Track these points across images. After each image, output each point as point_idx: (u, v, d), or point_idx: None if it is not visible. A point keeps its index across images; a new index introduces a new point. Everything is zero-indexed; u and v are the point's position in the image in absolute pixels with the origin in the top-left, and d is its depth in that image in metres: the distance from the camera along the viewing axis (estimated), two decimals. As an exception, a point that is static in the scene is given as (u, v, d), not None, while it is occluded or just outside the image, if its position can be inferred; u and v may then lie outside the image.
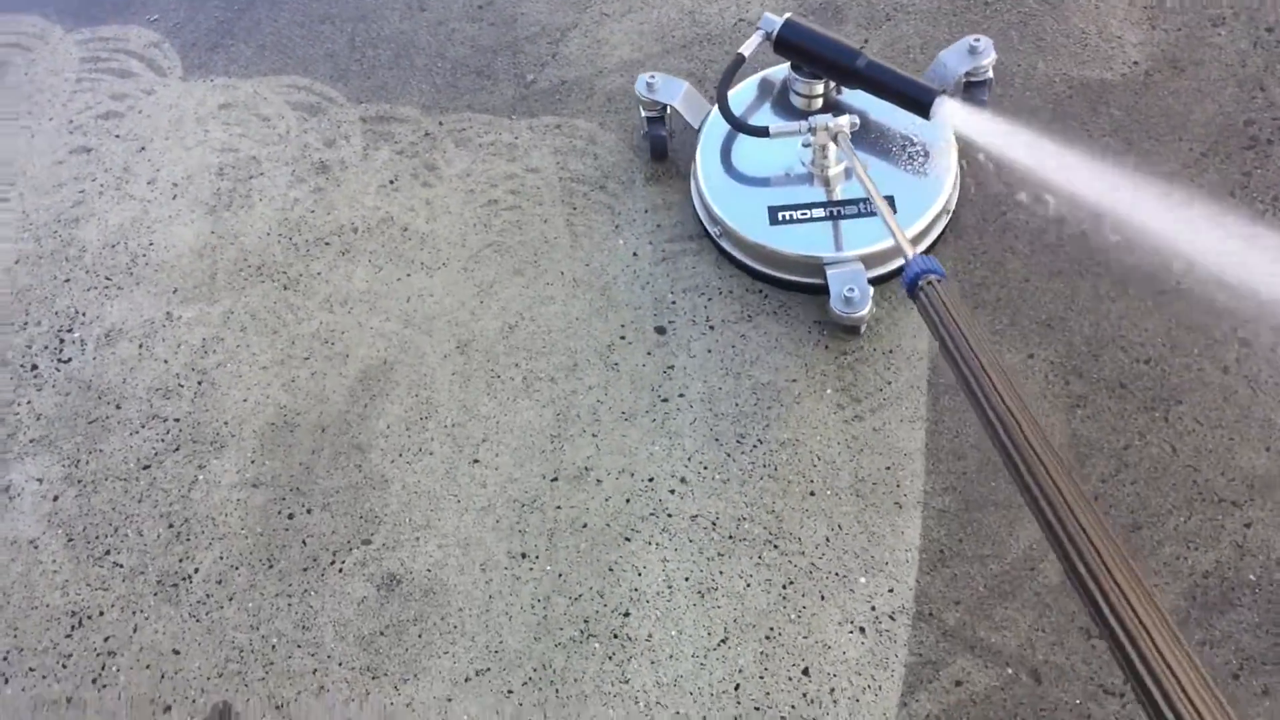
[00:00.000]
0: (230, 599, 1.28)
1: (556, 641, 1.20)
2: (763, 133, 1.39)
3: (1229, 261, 1.26)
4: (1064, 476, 0.81)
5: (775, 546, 1.22)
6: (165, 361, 1.49)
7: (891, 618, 1.16)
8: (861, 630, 1.16)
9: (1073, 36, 1.57)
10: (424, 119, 1.70)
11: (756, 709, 1.12)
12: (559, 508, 1.29)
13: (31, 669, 1.26)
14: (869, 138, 1.45)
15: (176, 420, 1.43)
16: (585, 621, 1.21)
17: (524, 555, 1.26)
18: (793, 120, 1.41)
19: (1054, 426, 1.24)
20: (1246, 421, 1.21)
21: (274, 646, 1.24)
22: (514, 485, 1.31)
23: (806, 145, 1.41)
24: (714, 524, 1.25)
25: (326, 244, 1.58)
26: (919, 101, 1.35)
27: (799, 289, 1.41)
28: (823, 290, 1.35)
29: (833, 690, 1.13)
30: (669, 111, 1.53)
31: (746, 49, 1.42)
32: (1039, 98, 1.51)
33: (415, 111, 1.71)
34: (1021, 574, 1.16)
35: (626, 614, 1.20)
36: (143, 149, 1.75)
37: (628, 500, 1.28)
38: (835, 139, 1.36)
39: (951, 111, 1.34)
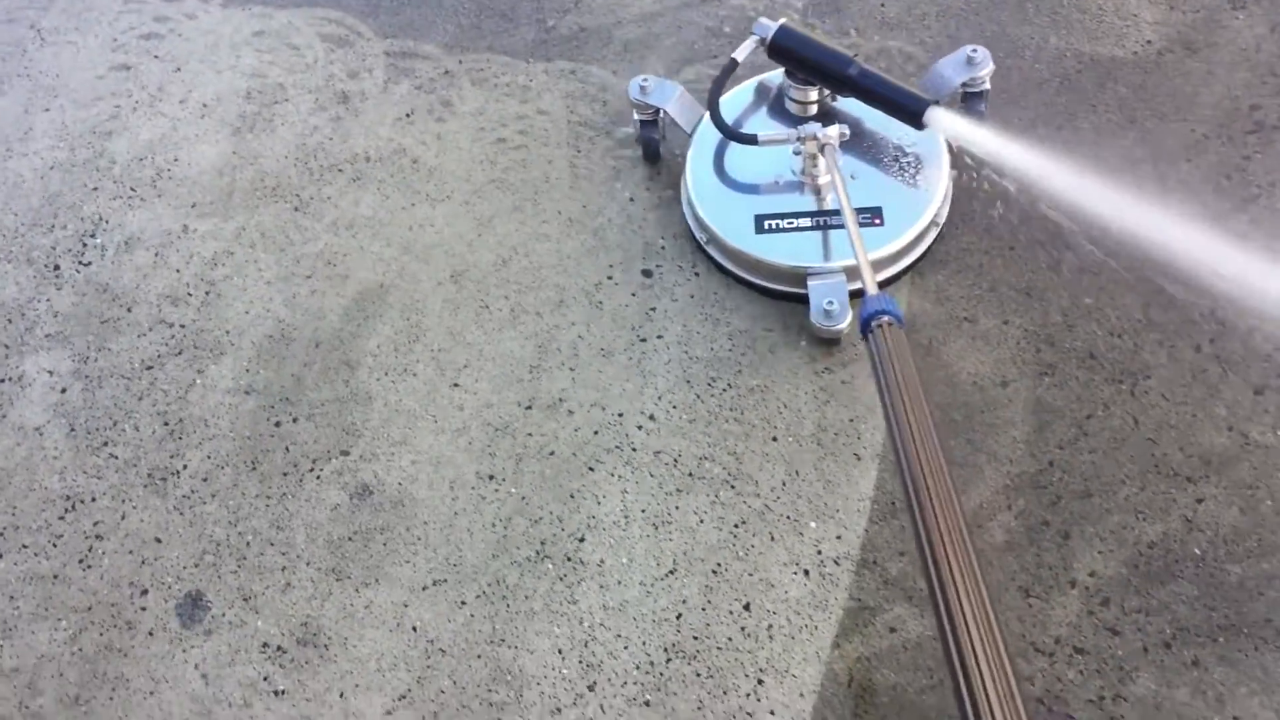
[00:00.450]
0: (213, 496, 1.34)
1: (513, 560, 1.24)
2: (751, 140, 1.38)
3: (1212, 241, 1.26)
4: (960, 560, 0.85)
5: (732, 487, 1.25)
6: (177, 271, 1.56)
7: (836, 562, 1.19)
8: (806, 572, 1.19)
9: (1089, 12, 1.56)
10: (445, 57, 1.74)
11: (695, 638, 1.16)
12: (530, 435, 1.33)
13: (24, 545, 1.34)
14: (862, 145, 1.42)
15: (182, 326, 1.50)
16: (542, 543, 1.25)
17: (491, 476, 1.30)
18: (788, 126, 1.39)
19: (1019, 392, 1.26)
20: (1213, 400, 1.21)
21: (249, 543, 1.30)
22: (489, 410, 1.36)
23: (797, 153, 1.39)
24: (676, 461, 1.28)
25: (340, 170, 1.63)
26: (910, 111, 1.32)
27: (783, 298, 1.39)
28: (806, 300, 1.33)
29: (770, 626, 1.16)
30: (662, 115, 1.49)
31: (740, 54, 1.41)
32: (1048, 70, 1.51)
33: (438, 50, 1.76)
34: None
35: (582, 539, 1.25)
36: (178, 69, 1.82)
37: (596, 432, 1.32)
38: (822, 150, 1.34)
39: (944, 122, 1.31)
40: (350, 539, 1.28)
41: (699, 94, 1.54)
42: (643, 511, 1.25)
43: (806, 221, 1.38)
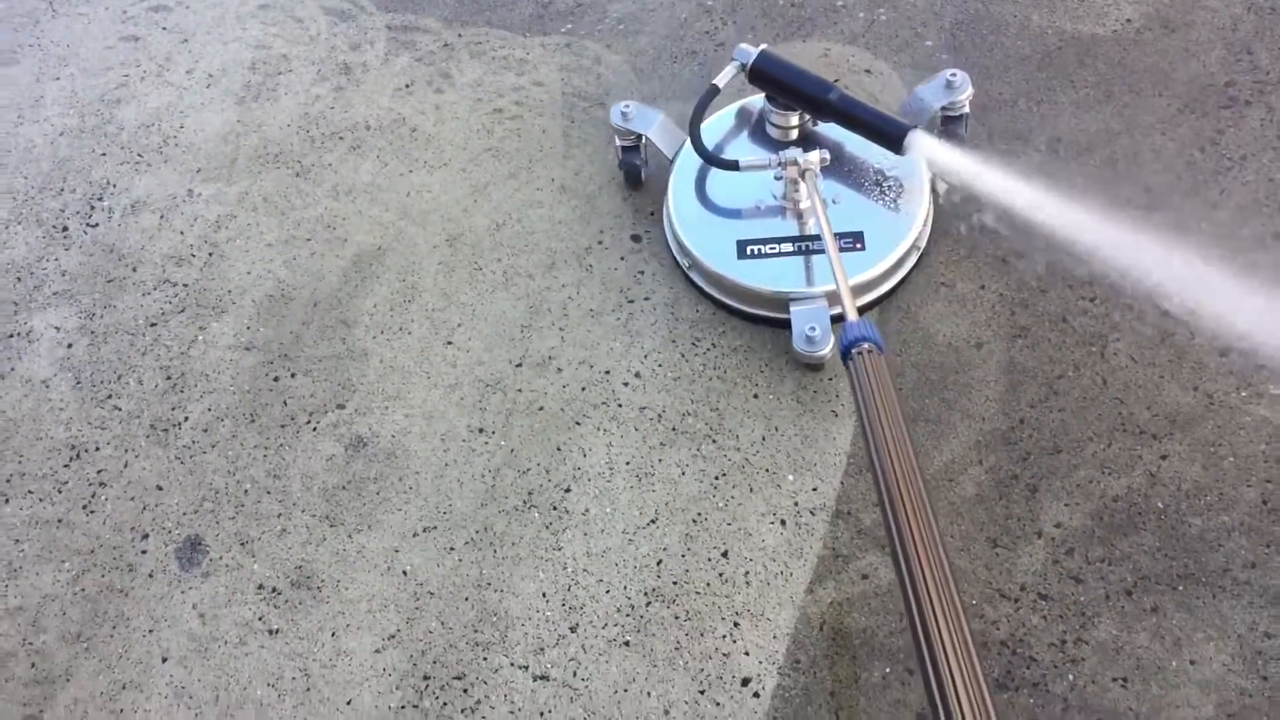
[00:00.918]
0: (213, 446, 1.39)
1: (501, 509, 1.28)
2: (733, 166, 1.39)
3: (1181, 214, 1.30)
4: (940, 593, 0.86)
5: (714, 441, 1.30)
6: (181, 233, 1.61)
7: (812, 513, 1.23)
8: (782, 522, 1.23)
9: (1072, -9, 1.60)
10: (445, 30, 1.79)
11: (674, 583, 1.20)
12: (519, 390, 1.37)
13: (30, 491, 1.38)
14: (843, 170, 1.43)
15: (185, 285, 1.55)
16: (529, 493, 1.29)
17: (481, 430, 1.35)
18: (769, 151, 1.40)
19: (993, 353, 1.30)
20: (1179, 362, 1.26)
21: (246, 491, 1.34)
22: (481, 367, 1.40)
23: (779, 178, 1.39)
24: (660, 416, 1.33)
25: (340, 138, 1.67)
26: (890, 136, 1.33)
27: (766, 323, 1.39)
28: (789, 325, 1.33)
29: (747, 573, 1.20)
30: (644, 141, 1.50)
31: (721, 80, 1.42)
32: (1029, 47, 1.55)
33: (438, 23, 1.80)
34: (940, 484, 1.22)
35: (568, 490, 1.29)
36: (185, 41, 1.87)
37: (583, 389, 1.36)
38: (804, 175, 1.36)
39: (924, 146, 1.33)
40: (344, 488, 1.33)
41: (688, 82, 1.59)
42: (627, 464, 1.30)
43: (789, 246, 1.38)
